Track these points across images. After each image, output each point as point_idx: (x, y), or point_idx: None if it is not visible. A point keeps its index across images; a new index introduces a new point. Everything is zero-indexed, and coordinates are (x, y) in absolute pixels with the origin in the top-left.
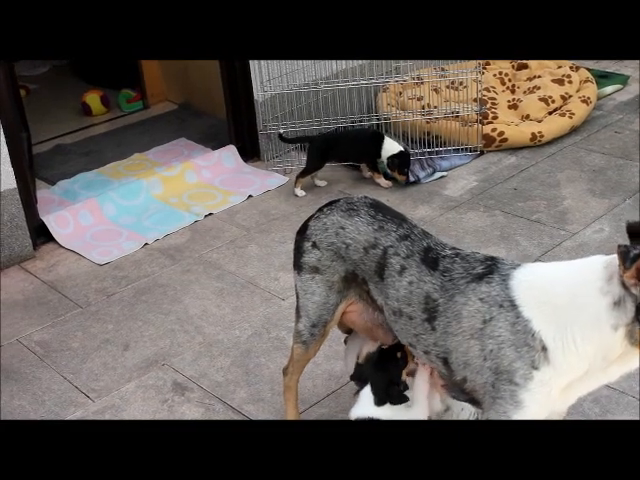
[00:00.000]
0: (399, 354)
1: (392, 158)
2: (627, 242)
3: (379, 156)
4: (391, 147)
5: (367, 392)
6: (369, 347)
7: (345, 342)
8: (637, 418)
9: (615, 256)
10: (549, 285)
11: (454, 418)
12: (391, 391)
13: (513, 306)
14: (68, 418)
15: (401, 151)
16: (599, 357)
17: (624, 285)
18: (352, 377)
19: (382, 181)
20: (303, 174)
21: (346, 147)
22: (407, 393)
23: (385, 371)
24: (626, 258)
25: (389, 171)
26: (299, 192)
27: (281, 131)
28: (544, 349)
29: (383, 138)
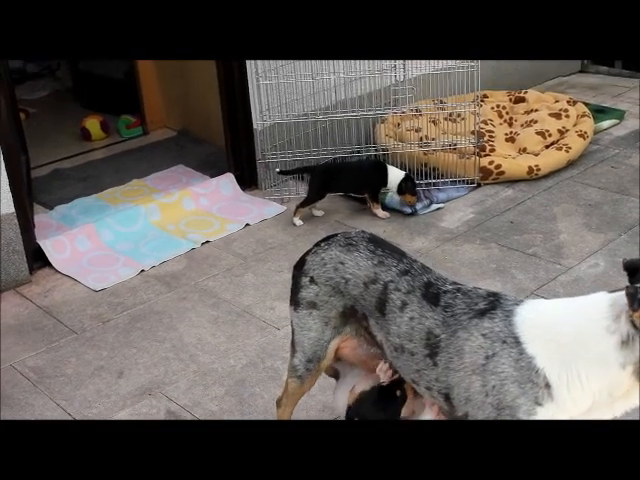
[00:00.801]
0: (398, 392)
1: (403, 182)
2: (624, 278)
3: (385, 185)
4: (396, 174)
5: None
6: (363, 384)
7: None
8: None
9: (621, 294)
10: (553, 322)
11: None
12: None
13: (517, 342)
14: None
15: (406, 174)
16: (605, 394)
17: (634, 325)
18: (348, 416)
19: (379, 212)
20: (303, 204)
21: (349, 178)
22: None
23: (385, 410)
24: (634, 299)
25: (397, 197)
26: (297, 222)
27: (277, 169)
28: (548, 386)
29: (386, 167)
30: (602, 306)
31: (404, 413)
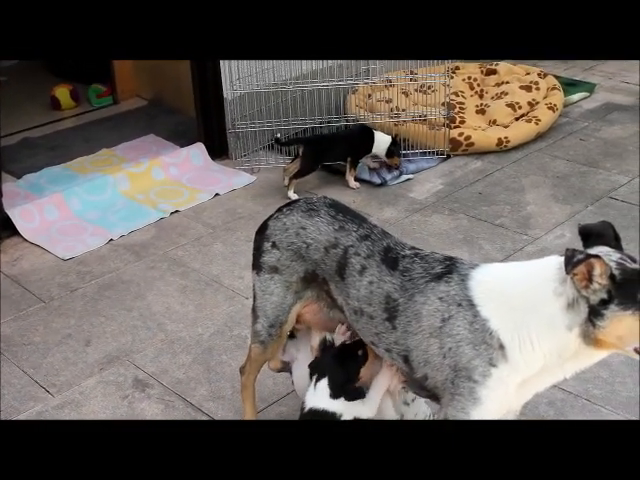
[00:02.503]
0: (360, 352)
1: (392, 145)
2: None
3: (370, 151)
4: (383, 138)
5: (324, 384)
6: (316, 339)
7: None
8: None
9: None
10: (506, 285)
11: None
12: (347, 387)
13: (471, 305)
14: (27, 412)
15: (393, 138)
16: (555, 355)
17: (576, 287)
18: (310, 366)
19: (351, 181)
20: (297, 176)
21: (341, 147)
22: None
23: (344, 367)
24: (569, 262)
25: (381, 161)
26: (292, 195)
27: (278, 135)
28: (502, 347)
29: (374, 133)
30: (551, 269)
31: (364, 374)
